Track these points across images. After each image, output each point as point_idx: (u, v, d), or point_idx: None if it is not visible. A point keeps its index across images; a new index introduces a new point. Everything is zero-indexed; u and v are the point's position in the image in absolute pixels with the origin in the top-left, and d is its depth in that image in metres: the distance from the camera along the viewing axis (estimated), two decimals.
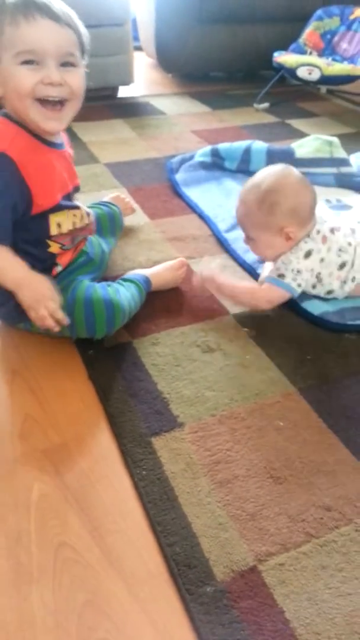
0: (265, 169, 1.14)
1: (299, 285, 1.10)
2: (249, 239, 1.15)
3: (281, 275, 1.09)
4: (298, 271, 1.09)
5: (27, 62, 0.85)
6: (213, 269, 1.17)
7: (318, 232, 1.10)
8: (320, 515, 0.75)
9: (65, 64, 0.88)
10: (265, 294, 1.11)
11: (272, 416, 0.90)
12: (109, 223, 1.32)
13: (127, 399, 0.93)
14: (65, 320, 0.96)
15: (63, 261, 1.05)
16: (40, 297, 0.95)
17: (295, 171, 1.12)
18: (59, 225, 1.00)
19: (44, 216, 0.97)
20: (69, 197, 1.03)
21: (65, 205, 1.01)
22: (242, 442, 0.85)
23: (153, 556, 0.71)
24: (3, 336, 1.09)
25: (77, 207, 1.05)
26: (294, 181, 1.09)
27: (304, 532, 0.73)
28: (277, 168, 1.12)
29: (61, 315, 0.96)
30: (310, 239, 1.10)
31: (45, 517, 0.75)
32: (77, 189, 1.08)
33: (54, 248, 1.02)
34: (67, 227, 1.02)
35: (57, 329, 0.96)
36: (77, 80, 0.90)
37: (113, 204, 1.38)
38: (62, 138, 1.02)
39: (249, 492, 0.77)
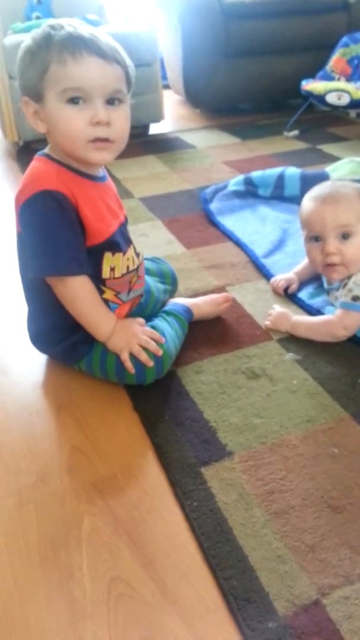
0: (335, 181, 1.16)
1: None
2: (344, 240, 1.08)
3: (356, 298, 1.06)
4: None
5: (73, 101, 0.85)
6: (285, 311, 1.16)
7: None
8: None
9: (112, 101, 0.88)
10: (340, 321, 1.07)
11: (326, 443, 0.87)
12: (158, 278, 1.23)
13: (174, 429, 0.92)
14: (159, 351, 0.98)
15: (119, 316, 1.03)
16: (131, 337, 0.98)
17: None
18: (112, 269, 0.99)
19: (98, 252, 0.97)
20: (125, 226, 1.04)
21: (121, 244, 1.00)
22: (295, 470, 0.82)
23: (210, 591, 0.68)
24: (48, 370, 1.09)
25: (130, 244, 1.04)
26: None
27: None
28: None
29: (154, 346, 0.98)
30: None
31: (97, 551, 0.73)
32: (126, 220, 1.07)
33: (108, 295, 1.01)
34: (120, 271, 1.01)
35: (150, 363, 0.97)
36: (122, 121, 0.90)
37: (162, 261, 1.29)
38: (104, 171, 1.02)
39: (307, 522, 0.74)
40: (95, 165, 0.96)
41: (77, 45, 0.84)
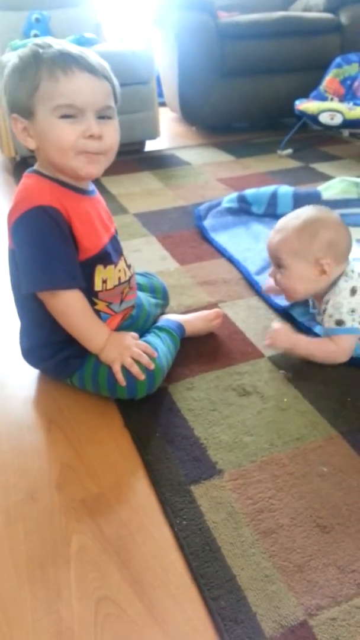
0: (304, 207, 1.15)
1: None
2: (279, 269, 1.12)
3: (340, 322, 1.06)
4: (353, 310, 1.06)
5: (65, 116, 0.86)
6: (285, 328, 1.15)
7: (352, 271, 1.09)
8: None
9: (103, 117, 0.90)
10: (337, 347, 1.07)
11: (315, 461, 0.87)
12: (150, 293, 1.24)
13: (164, 446, 0.92)
14: (152, 365, 0.98)
15: (110, 327, 1.04)
16: (123, 349, 0.98)
17: (334, 212, 1.14)
18: (104, 281, 1.00)
19: (90, 265, 0.98)
20: (115, 239, 1.05)
21: (112, 256, 1.01)
22: (284, 489, 0.82)
23: (197, 611, 0.68)
24: (40, 386, 1.09)
25: (121, 256, 1.06)
26: (335, 217, 1.11)
27: (355, 583, 0.69)
28: (318, 206, 1.15)
29: (146, 360, 0.98)
30: (349, 277, 1.09)
31: (85, 570, 0.73)
32: (116, 232, 1.09)
33: (100, 306, 1.02)
34: (112, 283, 1.02)
35: (142, 376, 0.97)
36: (113, 135, 0.92)
37: (153, 275, 1.30)
38: (93, 186, 1.03)
39: (295, 542, 0.74)
40: (85, 179, 0.97)
41: (67, 61, 0.85)
